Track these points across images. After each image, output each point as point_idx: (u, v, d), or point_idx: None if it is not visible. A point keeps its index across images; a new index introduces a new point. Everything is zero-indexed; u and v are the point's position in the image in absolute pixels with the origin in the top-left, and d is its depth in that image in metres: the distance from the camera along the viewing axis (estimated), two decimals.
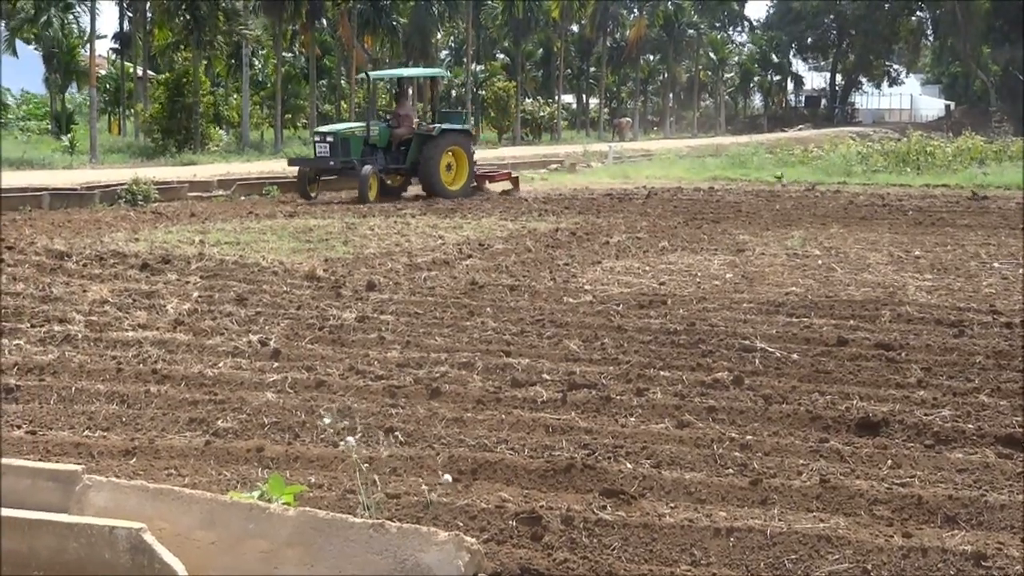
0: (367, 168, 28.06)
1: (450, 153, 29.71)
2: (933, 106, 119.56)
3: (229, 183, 30.21)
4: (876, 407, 8.82)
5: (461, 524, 6.37)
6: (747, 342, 10.98)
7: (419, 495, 6.79)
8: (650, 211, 25.31)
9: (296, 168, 29.65)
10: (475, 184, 30.78)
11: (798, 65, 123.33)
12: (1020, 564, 5.89)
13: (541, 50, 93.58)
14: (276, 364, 10.26)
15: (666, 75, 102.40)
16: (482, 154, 51.17)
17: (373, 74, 34.18)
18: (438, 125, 29.74)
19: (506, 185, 31.57)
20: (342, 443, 6.33)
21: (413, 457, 7.61)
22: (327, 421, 7.48)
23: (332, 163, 28.38)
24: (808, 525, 6.45)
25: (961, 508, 6.71)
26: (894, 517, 6.64)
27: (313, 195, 28.64)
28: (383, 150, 29.23)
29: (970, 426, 8.32)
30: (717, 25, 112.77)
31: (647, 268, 16.36)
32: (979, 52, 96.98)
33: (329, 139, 28.74)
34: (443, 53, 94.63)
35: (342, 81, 68.64)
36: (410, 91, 33.19)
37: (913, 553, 6.01)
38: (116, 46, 70.20)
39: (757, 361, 10.38)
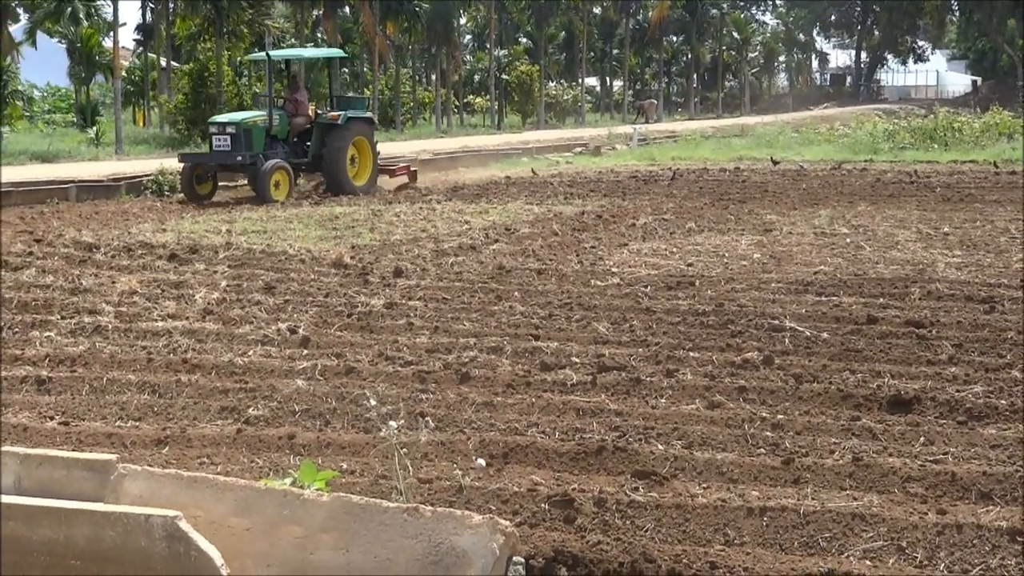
0: (270, 163, 24.98)
1: (353, 144, 26.86)
2: (960, 82, 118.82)
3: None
4: (908, 384, 8.78)
5: (494, 508, 6.38)
6: (776, 322, 10.95)
7: (451, 479, 6.80)
8: (676, 192, 25.25)
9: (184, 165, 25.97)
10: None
11: (822, 43, 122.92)
12: None
13: (564, 33, 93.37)
14: (305, 351, 10.28)
15: (690, 56, 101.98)
16: (506, 138, 51.25)
17: (274, 53, 30.51)
18: (343, 112, 26.87)
19: (403, 179, 28.65)
20: (383, 428, 6.33)
21: (444, 442, 7.62)
22: (373, 403, 7.48)
23: (239, 158, 24.91)
24: (841, 503, 6.43)
25: (995, 484, 6.68)
26: (928, 494, 6.62)
27: (204, 195, 25.51)
28: (283, 142, 26.40)
29: (1003, 402, 8.27)
30: (740, 4, 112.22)
31: (674, 250, 16.32)
32: (1005, 26, 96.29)
33: (230, 130, 25.25)
34: (466, 38, 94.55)
35: (364, 68, 68.62)
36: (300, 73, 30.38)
37: (948, 530, 5.99)
38: (139, 37, 70.32)
39: (787, 340, 10.35)
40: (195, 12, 51.57)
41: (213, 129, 25.81)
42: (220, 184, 26.89)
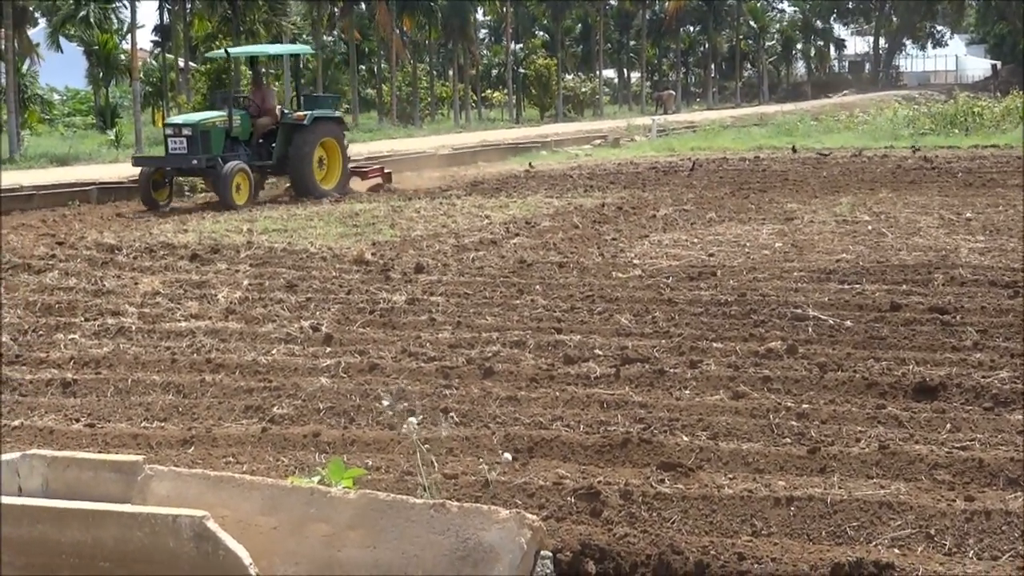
0: (230, 165, 23.24)
1: (321, 145, 25.19)
2: (979, 66, 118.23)
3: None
4: (933, 371, 8.75)
5: (520, 502, 6.38)
6: (799, 311, 10.92)
7: (477, 475, 6.81)
8: (696, 183, 25.21)
9: (140, 169, 24.30)
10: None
11: (840, 30, 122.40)
12: None
13: (580, 25, 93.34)
14: (329, 349, 10.30)
15: (707, 46, 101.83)
16: (525, 132, 51.24)
17: (234, 51, 28.51)
18: (309, 112, 25.17)
19: (377, 181, 27.07)
20: (404, 425, 6.34)
21: (469, 437, 7.63)
22: (385, 403, 7.49)
23: (195, 161, 23.30)
24: (868, 492, 6.41)
25: (1023, 470, 6.64)
26: (955, 481, 6.60)
27: (163, 203, 23.79)
28: (244, 143, 24.73)
29: None
30: None
31: (695, 240, 16.29)
32: None
33: (186, 132, 23.63)
34: (482, 32, 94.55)
35: (382, 64, 68.69)
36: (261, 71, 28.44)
37: (976, 516, 5.97)
38: (156, 39, 70.52)
39: (810, 329, 10.33)
40: (212, 12, 51.76)
41: (168, 131, 24.28)
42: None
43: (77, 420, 8.55)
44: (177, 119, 25.26)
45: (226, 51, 27.60)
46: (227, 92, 28.14)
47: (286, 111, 25.45)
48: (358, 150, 38.93)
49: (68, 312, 12.28)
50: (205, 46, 61.38)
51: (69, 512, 4.45)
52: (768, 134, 42.53)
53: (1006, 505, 6.11)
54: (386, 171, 27.71)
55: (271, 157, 24.92)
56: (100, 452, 7.38)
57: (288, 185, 25.94)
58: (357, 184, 26.46)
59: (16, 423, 8.41)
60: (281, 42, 55.68)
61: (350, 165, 26.63)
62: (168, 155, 23.83)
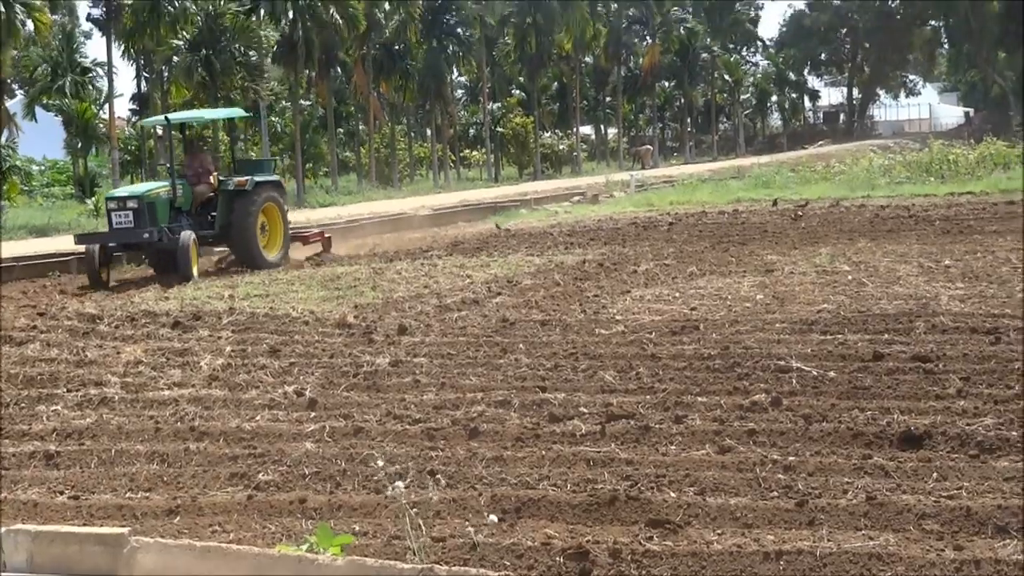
0: (186, 235, 22.12)
1: (262, 211, 24.02)
2: (952, 114, 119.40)
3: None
4: (917, 420, 8.76)
5: (509, 564, 6.36)
6: (782, 362, 10.93)
7: (465, 537, 6.78)
8: (676, 237, 25.28)
9: (86, 246, 22.64)
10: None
11: (814, 81, 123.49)
12: None
13: (556, 84, 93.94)
14: (313, 414, 10.26)
15: (683, 100, 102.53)
16: (504, 191, 51.41)
17: (174, 116, 26.66)
18: (250, 178, 23.96)
19: (316, 248, 26.30)
20: (391, 488, 6.32)
21: (456, 499, 7.60)
22: (381, 464, 7.48)
23: (147, 235, 22.02)
24: (858, 544, 6.40)
25: (1011, 517, 6.65)
26: (944, 530, 6.59)
27: (106, 279, 22.25)
28: (186, 213, 23.44)
29: (1014, 433, 8.25)
30: (731, 47, 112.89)
31: (677, 294, 16.31)
32: (995, 57, 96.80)
33: (131, 205, 22.28)
34: (459, 92, 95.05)
35: (360, 127, 68.98)
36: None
37: (966, 566, 5.97)
38: (135, 107, 70.76)
39: (794, 381, 10.34)
40: (189, 79, 51.97)
41: (112, 205, 22.71)
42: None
43: (61, 492, 8.50)
44: (120, 192, 23.90)
45: (166, 118, 25.70)
46: (163, 161, 27.07)
47: (222, 177, 24.49)
48: (337, 213, 39.09)
49: (50, 383, 12.21)
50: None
51: None
52: (746, 187, 42.72)
53: (995, 553, 6.10)
54: (326, 236, 26.85)
55: (212, 226, 23.78)
56: (85, 524, 7.34)
57: (219, 256, 25.14)
58: (297, 250, 25.64)
59: None
60: (259, 108, 55.94)
61: (292, 230, 25.80)
62: (114, 230, 22.48)
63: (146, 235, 22.00)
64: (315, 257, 25.40)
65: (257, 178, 24.10)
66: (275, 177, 25.99)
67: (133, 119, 72.10)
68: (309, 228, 27.90)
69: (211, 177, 24.19)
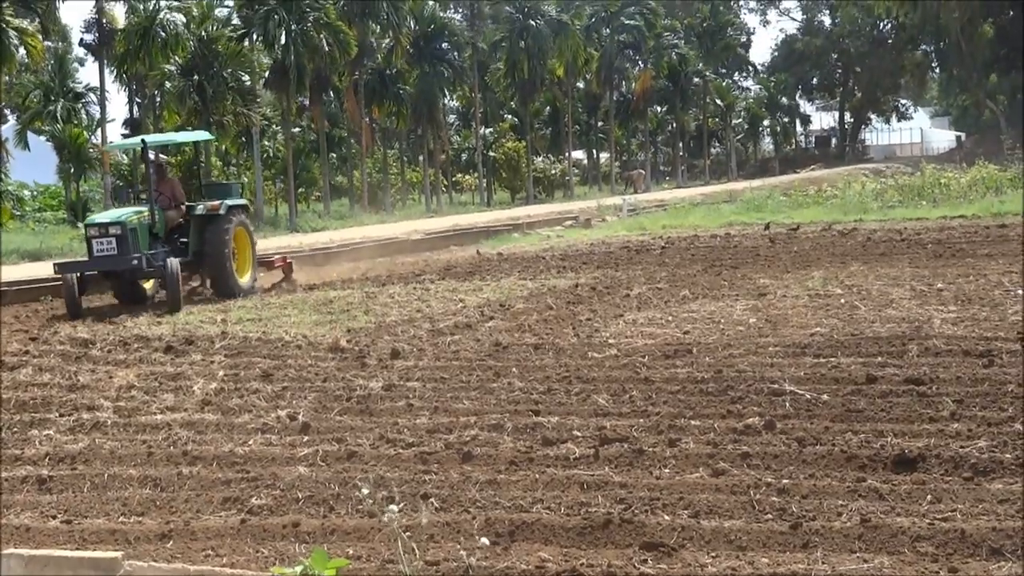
0: (173, 262, 21.34)
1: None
2: (944, 138, 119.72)
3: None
4: (911, 443, 8.77)
5: None
6: (776, 386, 10.93)
7: (458, 561, 6.77)
8: (668, 261, 25.30)
9: (68, 275, 21.31)
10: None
11: (805, 106, 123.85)
12: None
13: (548, 108, 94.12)
14: (306, 438, 10.25)
15: (674, 125, 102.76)
16: (496, 215, 51.45)
17: (150, 139, 24.83)
18: (223, 202, 23.09)
19: (279, 275, 25.66)
20: (384, 513, 6.31)
21: (449, 523, 7.58)
22: (365, 492, 7.46)
23: (135, 262, 21.17)
24: (852, 566, 6.40)
25: (1006, 539, 6.65)
26: (938, 552, 6.59)
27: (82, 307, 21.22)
28: (161, 240, 22.48)
29: (1007, 456, 8.26)
30: (722, 71, 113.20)
31: (670, 318, 16.31)
32: (986, 81, 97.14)
33: (114, 231, 21.36)
34: (451, 117, 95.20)
35: (352, 151, 69.09)
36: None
37: None
38: (127, 132, 70.79)
39: (787, 404, 10.34)
40: (181, 104, 52.04)
41: (93, 232, 21.63)
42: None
43: (54, 517, 8.47)
44: (101, 217, 22.59)
45: (143, 141, 23.93)
46: (137, 187, 25.60)
47: (191, 203, 23.58)
48: (329, 237, 39.11)
49: (43, 408, 12.19)
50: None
51: None
52: (738, 210, 42.79)
53: (990, 575, 6.10)
54: (288, 261, 26.16)
55: (185, 252, 22.68)
56: (78, 549, 7.32)
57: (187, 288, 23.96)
58: (263, 276, 24.96)
59: None
60: (251, 133, 56.00)
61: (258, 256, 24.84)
62: (95, 258, 21.49)
63: (134, 262, 21.17)
64: (279, 284, 24.86)
65: (230, 203, 23.38)
66: (243, 201, 25.27)
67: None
68: (271, 254, 27.01)
69: (182, 201, 23.47)
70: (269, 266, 25.29)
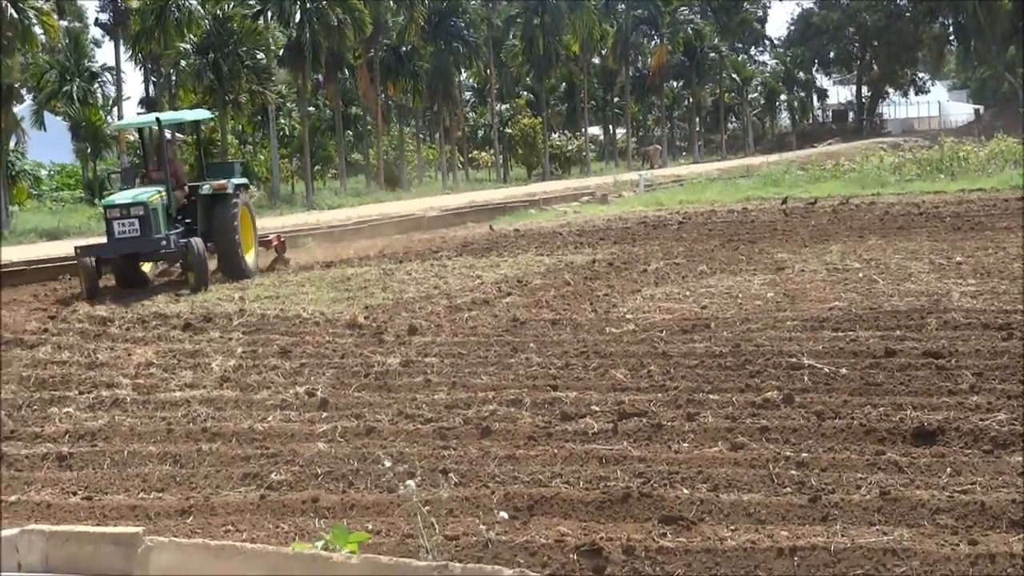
0: (197, 241, 20.79)
1: None
2: (962, 111, 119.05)
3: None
4: (930, 416, 8.75)
5: (522, 561, 6.35)
6: (794, 360, 10.91)
7: (477, 535, 6.78)
8: (685, 236, 25.24)
9: (89, 260, 20.60)
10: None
11: (822, 80, 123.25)
12: None
13: (564, 84, 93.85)
14: (325, 414, 10.27)
15: (691, 100, 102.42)
16: (513, 191, 51.41)
17: (165, 116, 23.89)
18: (229, 180, 22.64)
19: (274, 253, 25.03)
20: (402, 487, 6.32)
21: (468, 497, 7.60)
22: (387, 464, 7.48)
23: (164, 243, 20.60)
24: (872, 539, 6.39)
25: None
26: (958, 525, 6.58)
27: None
28: (174, 221, 21.88)
29: None
30: (738, 46, 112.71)
31: (687, 293, 16.29)
32: (1005, 53, 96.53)
33: (137, 212, 20.59)
34: (467, 94, 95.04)
35: (368, 128, 69.06)
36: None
37: (981, 560, 5.95)
38: (143, 111, 70.85)
39: (806, 378, 10.32)
40: (198, 83, 52.04)
41: (114, 213, 20.72)
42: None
43: (74, 493, 8.52)
44: (122, 198, 21.25)
45: (157, 119, 23.34)
46: (138, 168, 24.30)
47: (196, 182, 22.94)
48: (346, 215, 39.11)
49: (62, 386, 12.24)
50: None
51: None
52: (755, 185, 42.62)
53: (1010, 548, 6.09)
54: (282, 240, 25.67)
55: (194, 233, 21.90)
56: (98, 525, 7.35)
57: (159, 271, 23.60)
58: (261, 256, 24.41)
59: (13, 498, 8.38)
60: (267, 112, 55.94)
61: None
62: (117, 240, 20.72)
63: (162, 243, 20.55)
64: (273, 264, 24.39)
65: (236, 181, 23.04)
66: (243, 180, 24.70)
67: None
68: (266, 233, 26.37)
69: (182, 183, 22.75)
70: (267, 245, 24.91)
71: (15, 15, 41.17)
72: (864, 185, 37.76)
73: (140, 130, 27.22)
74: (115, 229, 20.65)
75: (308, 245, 29.44)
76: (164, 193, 21.38)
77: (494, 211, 38.66)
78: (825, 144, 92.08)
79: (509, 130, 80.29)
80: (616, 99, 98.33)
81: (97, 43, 74.42)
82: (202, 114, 28.02)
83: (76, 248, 21.60)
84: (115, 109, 58.78)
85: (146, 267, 22.71)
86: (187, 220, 22.28)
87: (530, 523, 7.09)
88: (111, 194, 22.12)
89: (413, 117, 79.63)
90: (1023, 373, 9.94)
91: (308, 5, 54.17)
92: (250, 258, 22.86)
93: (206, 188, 22.32)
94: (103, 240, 21.56)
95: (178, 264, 22.59)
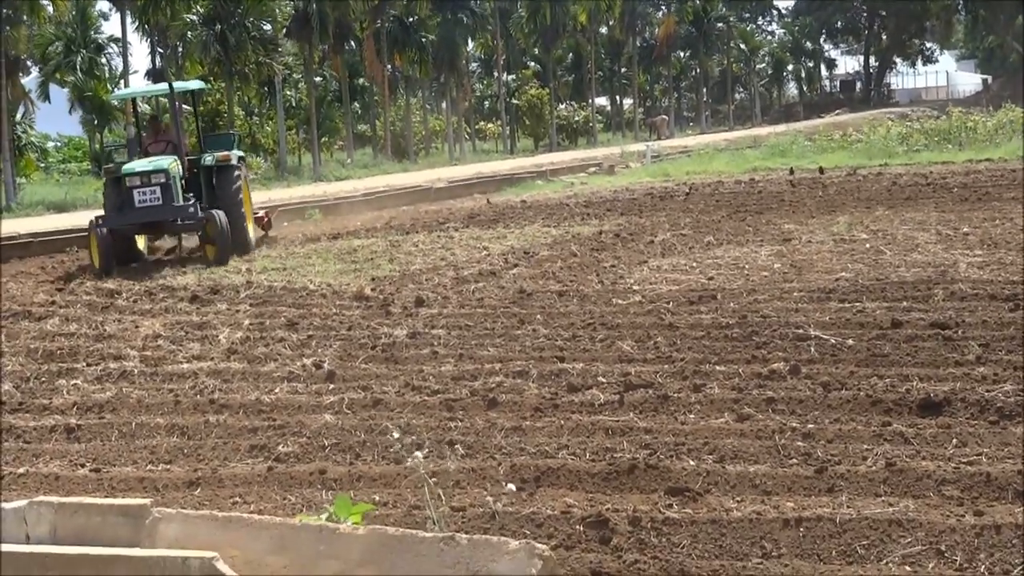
0: (219, 212, 20.31)
1: None
2: (970, 81, 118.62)
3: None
4: (936, 387, 8.75)
5: (528, 532, 6.37)
6: (801, 331, 10.91)
7: (484, 506, 6.80)
8: (692, 207, 25.19)
9: (100, 232, 19.99)
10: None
11: (830, 50, 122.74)
12: None
13: (571, 55, 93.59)
14: (332, 386, 10.30)
15: (698, 70, 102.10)
16: (520, 162, 51.34)
17: (178, 85, 23.91)
18: (232, 151, 22.29)
19: (260, 230, 24.12)
20: (409, 459, 6.34)
21: (475, 469, 7.62)
22: (396, 435, 7.51)
23: (192, 210, 20.27)
24: (877, 510, 6.40)
25: None
26: (964, 496, 6.59)
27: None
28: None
29: None
30: (746, 16, 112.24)
31: (694, 264, 16.29)
32: (1013, 23, 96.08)
33: (158, 180, 20.01)
34: (473, 65, 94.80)
35: (375, 99, 68.94)
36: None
37: (987, 531, 5.96)
38: (149, 82, 70.71)
39: (812, 349, 10.32)
40: (205, 54, 51.93)
41: (134, 181, 20.03)
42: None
43: (82, 465, 8.55)
44: (141, 166, 20.49)
45: (169, 85, 23.09)
46: (138, 141, 23.84)
47: (205, 154, 22.26)
48: (353, 186, 39.08)
49: (70, 358, 12.28)
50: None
51: (79, 558, 4.44)
52: (762, 156, 42.49)
53: (1016, 519, 6.10)
54: (268, 216, 25.13)
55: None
56: (106, 497, 7.38)
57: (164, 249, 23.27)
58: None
59: (21, 470, 8.41)
60: (273, 83, 55.80)
61: None
62: (137, 209, 20.08)
63: (191, 210, 20.13)
64: (261, 239, 23.49)
65: (237, 152, 22.78)
66: (240, 152, 24.03)
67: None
68: (255, 208, 24.94)
69: (184, 152, 21.88)
70: (259, 222, 24.05)
71: None
72: (871, 156, 37.66)
73: (134, 101, 27.07)
74: (135, 198, 19.97)
75: (315, 216, 29.45)
76: (178, 162, 20.82)
77: (501, 182, 38.60)
78: (832, 114, 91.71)
79: (516, 101, 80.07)
80: (623, 70, 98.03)
81: (104, 16, 74.27)
82: (197, 84, 27.47)
83: (95, 219, 20.65)
84: (121, 81, 58.62)
85: (140, 243, 22.07)
86: (190, 193, 21.38)
87: (536, 494, 7.11)
88: (119, 164, 21.54)
89: (420, 88, 79.43)
90: None
91: None
92: (251, 230, 22.31)
93: (208, 159, 21.79)
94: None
95: (196, 235, 21.84)
